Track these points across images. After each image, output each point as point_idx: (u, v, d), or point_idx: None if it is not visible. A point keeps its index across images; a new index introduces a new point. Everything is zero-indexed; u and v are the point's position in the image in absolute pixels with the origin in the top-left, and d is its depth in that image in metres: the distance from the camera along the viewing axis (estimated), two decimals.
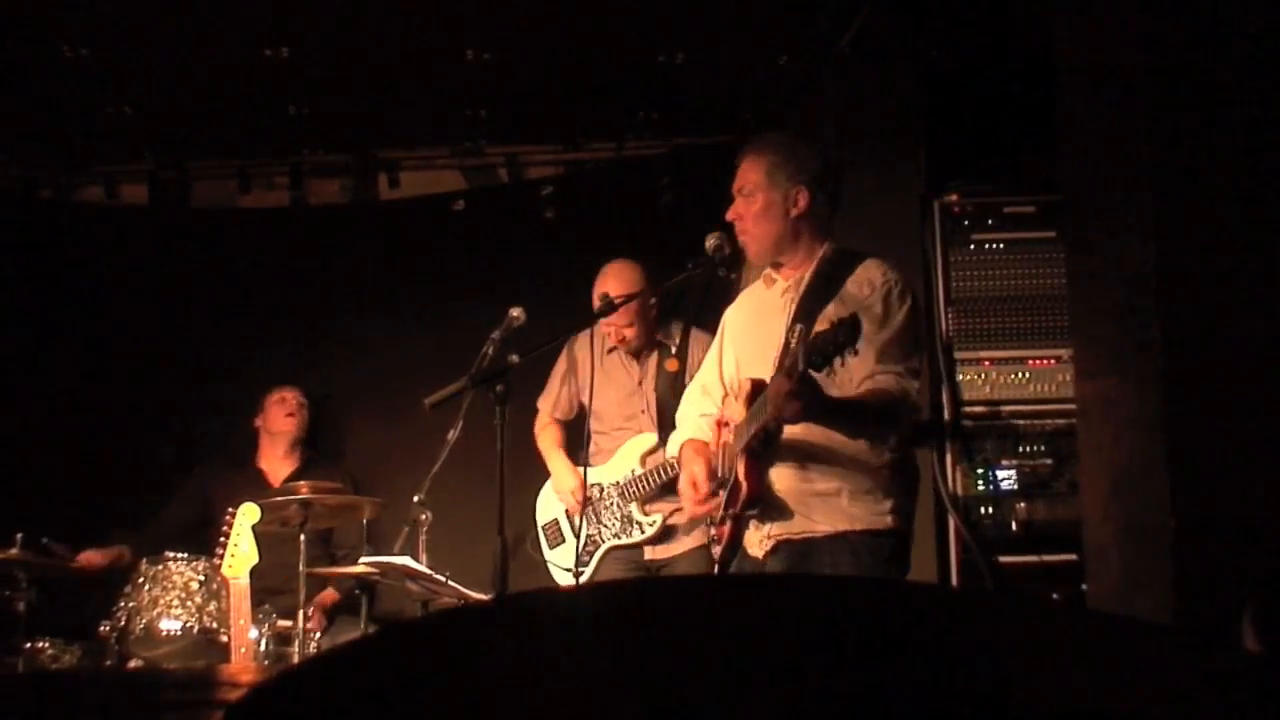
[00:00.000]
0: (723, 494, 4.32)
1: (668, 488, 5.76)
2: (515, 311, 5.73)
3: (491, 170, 7.99)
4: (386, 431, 7.29)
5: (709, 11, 5.98)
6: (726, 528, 4.25)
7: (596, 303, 5.82)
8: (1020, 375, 5.89)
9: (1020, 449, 5.84)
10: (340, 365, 7.54)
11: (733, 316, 4.67)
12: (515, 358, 4.53)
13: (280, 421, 6.95)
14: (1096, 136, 4.22)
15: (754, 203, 4.29)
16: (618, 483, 5.89)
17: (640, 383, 6.00)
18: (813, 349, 3.67)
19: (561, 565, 6.06)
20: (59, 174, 7.86)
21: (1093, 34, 4.26)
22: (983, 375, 5.89)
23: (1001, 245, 5.97)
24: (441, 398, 4.56)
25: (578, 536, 5.95)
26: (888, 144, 6.07)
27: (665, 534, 5.84)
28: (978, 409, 5.88)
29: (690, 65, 6.51)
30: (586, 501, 5.90)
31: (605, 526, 5.89)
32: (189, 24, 5.93)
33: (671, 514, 5.80)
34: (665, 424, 5.87)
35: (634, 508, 5.86)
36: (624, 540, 5.86)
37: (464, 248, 7.65)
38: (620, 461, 5.92)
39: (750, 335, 4.47)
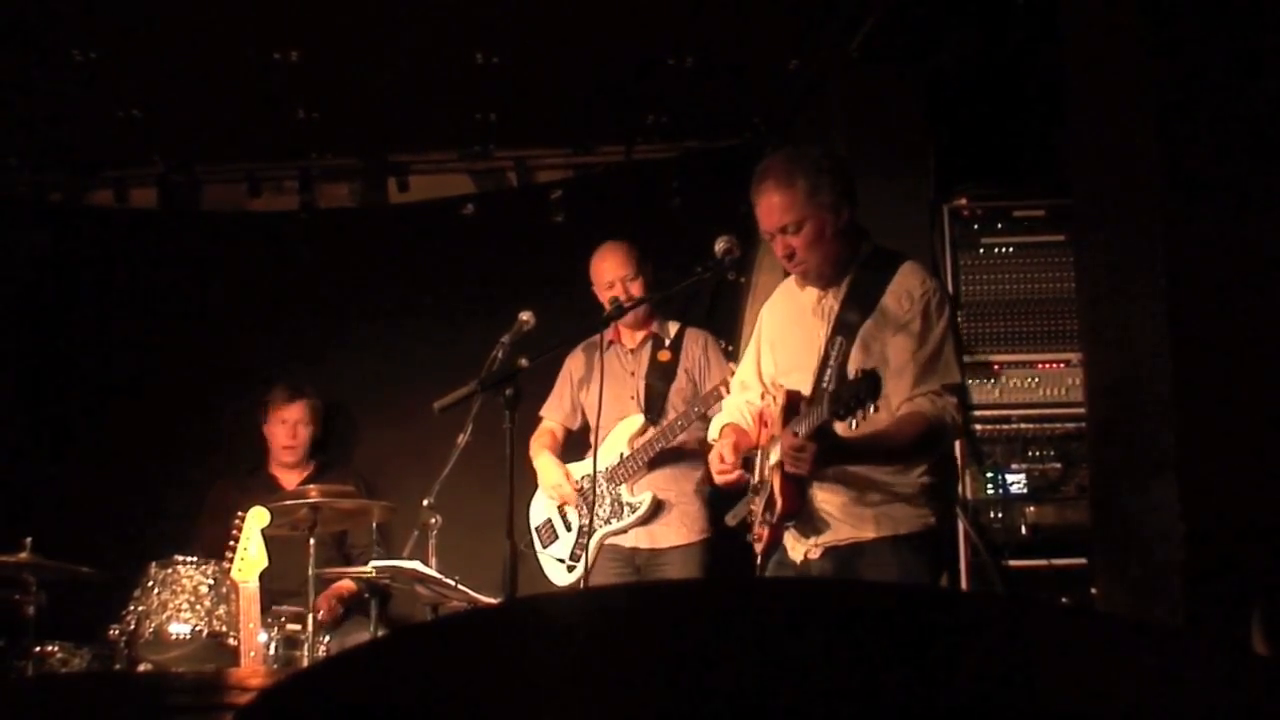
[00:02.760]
0: (752, 482, 4.36)
1: (654, 464, 5.81)
2: (525, 315, 5.74)
3: (501, 174, 7.99)
4: (396, 435, 7.29)
5: (718, 15, 5.98)
6: (766, 531, 4.27)
7: (600, 287, 5.91)
8: (1029, 379, 5.89)
9: (1029, 453, 5.84)
10: (349, 369, 7.54)
11: (769, 315, 4.64)
12: (525, 361, 4.51)
13: (280, 451, 6.93)
14: (1105, 139, 4.21)
15: (804, 233, 4.18)
16: (606, 469, 5.88)
17: (633, 373, 6.01)
18: (835, 403, 3.72)
19: (555, 556, 6.06)
20: (69, 177, 7.88)
21: (1101, 37, 4.26)
22: (992, 379, 5.89)
23: (1011, 249, 5.98)
24: (451, 401, 4.55)
25: (569, 529, 5.96)
26: (897, 147, 6.07)
27: (655, 512, 5.83)
28: (987, 412, 5.89)
29: (699, 69, 6.51)
30: (580, 492, 5.91)
31: (597, 514, 5.87)
32: (198, 27, 5.94)
33: (660, 492, 5.84)
34: (652, 408, 5.89)
35: (623, 489, 5.84)
36: (616, 524, 5.83)
37: (473, 251, 7.66)
38: (609, 447, 5.89)
39: (789, 339, 4.46)
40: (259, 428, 7.03)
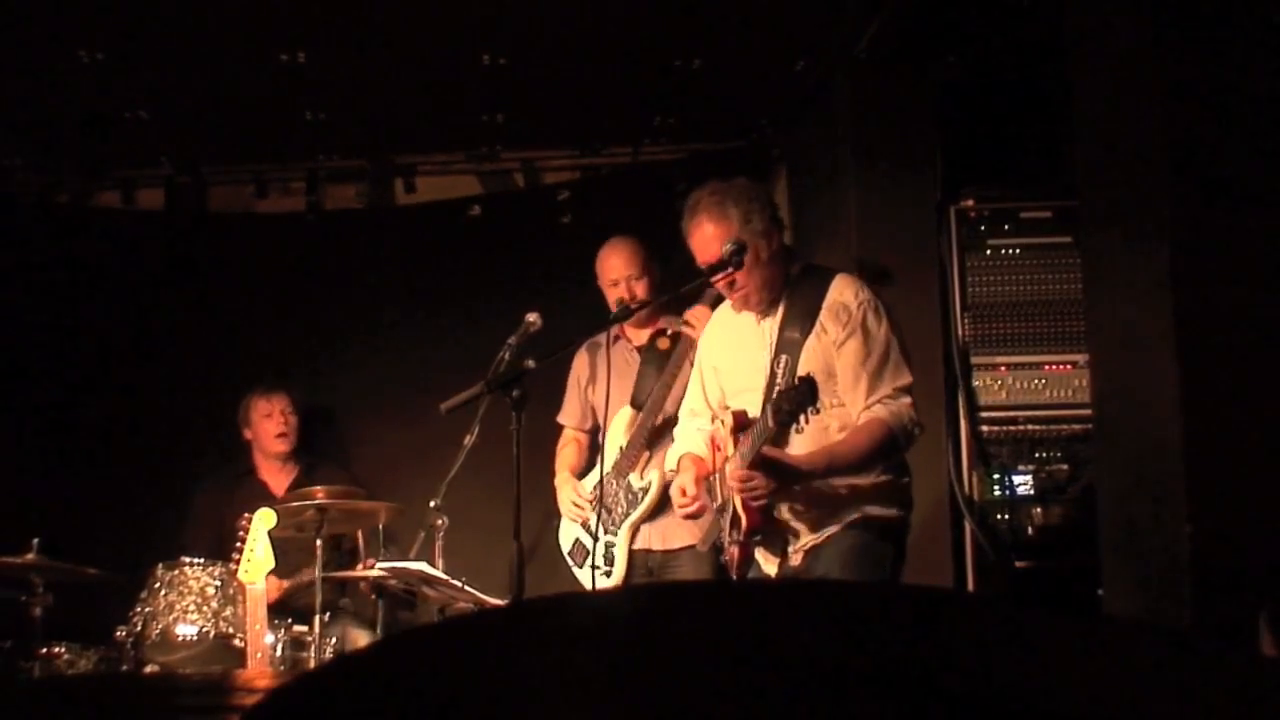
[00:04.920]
0: (714, 506, 4.46)
1: (653, 443, 5.75)
2: (531, 316, 5.72)
3: (507, 175, 8.00)
4: (403, 436, 7.28)
5: (725, 17, 5.97)
6: (736, 550, 4.38)
7: (605, 284, 5.91)
8: (1036, 381, 5.88)
9: (1036, 454, 5.84)
10: (356, 370, 7.54)
11: (707, 343, 4.83)
12: (531, 363, 4.51)
13: (273, 442, 6.82)
14: (1112, 141, 4.21)
15: (744, 262, 4.34)
16: (613, 467, 5.86)
17: (636, 369, 5.99)
18: (777, 411, 3.93)
19: (590, 567, 6.03)
20: (76, 179, 7.88)
21: (1107, 39, 4.25)
22: (999, 381, 5.89)
23: (1018, 250, 5.97)
24: (458, 403, 4.55)
25: (596, 538, 5.92)
26: (904, 149, 6.07)
27: (666, 494, 5.72)
28: (994, 414, 5.88)
29: (707, 70, 6.50)
30: (593, 503, 5.87)
31: (616, 511, 5.83)
32: (205, 29, 5.93)
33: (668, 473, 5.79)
34: (640, 394, 5.86)
35: (632, 477, 5.80)
36: (635, 514, 5.78)
37: (480, 253, 7.66)
38: (610, 446, 5.88)
39: (733, 363, 4.64)
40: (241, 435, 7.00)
